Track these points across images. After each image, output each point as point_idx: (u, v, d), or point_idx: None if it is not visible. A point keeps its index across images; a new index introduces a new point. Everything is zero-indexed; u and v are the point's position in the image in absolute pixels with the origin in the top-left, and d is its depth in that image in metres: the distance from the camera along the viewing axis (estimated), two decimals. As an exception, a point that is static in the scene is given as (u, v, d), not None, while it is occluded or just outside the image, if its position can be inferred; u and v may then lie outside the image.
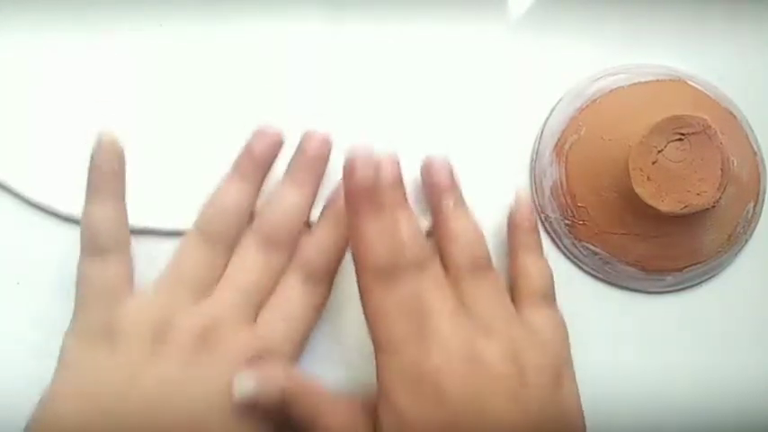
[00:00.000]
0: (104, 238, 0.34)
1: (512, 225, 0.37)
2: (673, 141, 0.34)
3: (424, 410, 0.31)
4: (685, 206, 0.34)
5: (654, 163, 0.34)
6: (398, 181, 0.35)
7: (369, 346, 0.33)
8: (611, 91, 0.38)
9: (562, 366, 0.34)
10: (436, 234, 0.36)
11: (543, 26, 0.40)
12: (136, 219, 0.37)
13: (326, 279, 0.36)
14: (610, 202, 0.36)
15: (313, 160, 0.36)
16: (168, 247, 0.36)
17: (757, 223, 0.39)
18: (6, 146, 0.39)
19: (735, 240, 0.38)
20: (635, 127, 0.34)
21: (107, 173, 0.34)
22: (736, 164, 0.36)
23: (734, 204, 0.37)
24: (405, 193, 0.35)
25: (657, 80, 0.38)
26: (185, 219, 0.38)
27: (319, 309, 0.36)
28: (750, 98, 0.39)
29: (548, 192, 0.38)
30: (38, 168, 0.39)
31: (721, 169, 0.34)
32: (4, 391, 0.35)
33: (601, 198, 0.36)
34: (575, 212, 0.37)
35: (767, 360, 0.39)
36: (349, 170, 0.32)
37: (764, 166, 0.39)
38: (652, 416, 0.38)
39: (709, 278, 0.39)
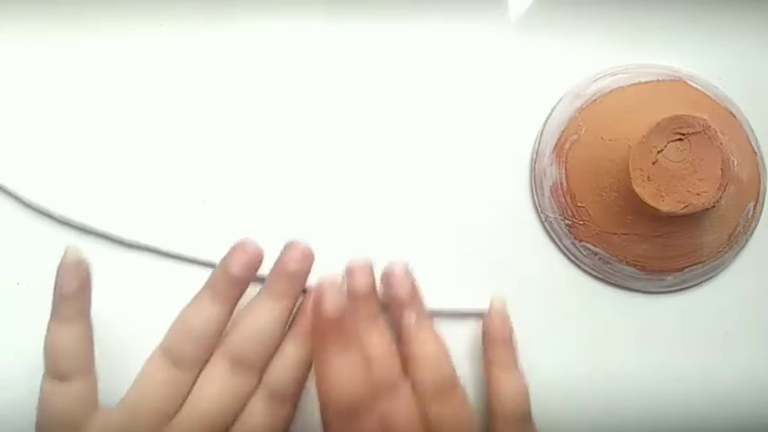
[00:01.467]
0: (66, 361, 0.32)
1: (486, 337, 0.36)
2: (673, 141, 0.34)
3: None
4: (685, 206, 0.34)
5: (654, 163, 0.34)
6: (370, 292, 0.34)
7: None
8: (611, 91, 0.38)
9: None
10: (400, 350, 0.35)
11: (543, 26, 0.40)
12: (134, 219, 0.37)
13: (292, 400, 0.35)
14: (610, 202, 0.36)
15: (294, 274, 0.35)
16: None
17: (757, 223, 0.39)
18: (5, 148, 0.39)
19: (735, 240, 0.38)
20: (635, 127, 0.34)
21: (69, 293, 0.32)
22: (736, 164, 0.36)
23: (734, 204, 0.37)
24: (377, 305, 0.34)
25: (657, 80, 0.38)
26: (185, 218, 0.38)
27: (286, 430, 0.35)
28: (750, 98, 0.39)
29: (548, 192, 0.38)
30: (37, 170, 0.39)
31: (721, 169, 0.34)
32: (5, 392, 0.35)
33: (601, 198, 0.36)
34: (575, 212, 0.37)
35: (767, 360, 0.39)
36: (318, 302, 0.31)
37: (764, 166, 0.39)
38: (652, 416, 0.38)
39: (709, 278, 0.39)
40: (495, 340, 0.36)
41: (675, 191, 0.34)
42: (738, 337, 0.39)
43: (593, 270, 0.38)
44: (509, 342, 0.36)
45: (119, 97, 0.39)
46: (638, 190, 0.34)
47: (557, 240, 0.39)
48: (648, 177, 0.34)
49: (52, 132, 0.39)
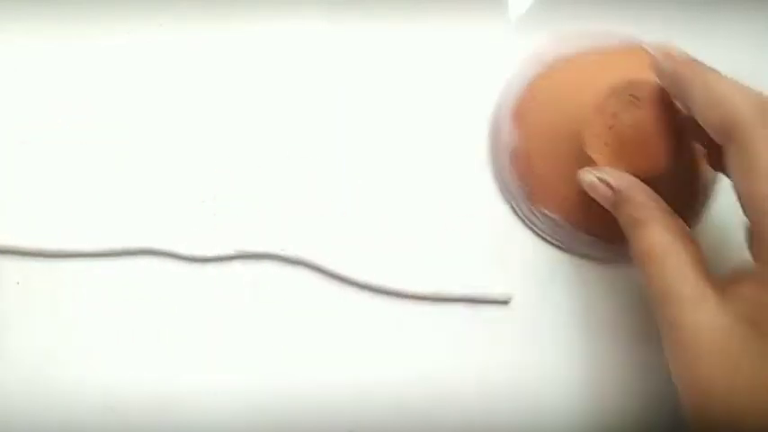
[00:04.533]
0: None
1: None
2: (628, 106, 0.33)
3: None
4: (641, 172, 0.33)
5: (610, 128, 0.33)
6: None
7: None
8: (569, 57, 0.38)
9: None
10: None
11: (543, 26, 0.41)
12: (132, 216, 0.38)
13: None
14: (567, 169, 0.35)
15: None
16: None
17: (716, 193, 0.37)
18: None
19: (694, 209, 0.36)
20: (592, 92, 0.34)
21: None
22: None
23: (691, 172, 0.36)
24: None
25: (616, 46, 0.38)
26: (184, 219, 0.39)
27: None
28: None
29: (507, 158, 0.38)
30: (37, 172, 0.39)
31: (676, 135, 0.33)
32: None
33: (558, 164, 0.36)
34: (532, 179, 0.37)
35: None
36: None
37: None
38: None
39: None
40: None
41: (630, 156, 0.33)
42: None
43: (551, 237, 0.38)
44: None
45: (118, 97, 0.40)
46: (594, 156, 0.33)
47: (515, 207, 0.38)
48: (605, 143, 0.34)
49: (51, 132, 0.39)
